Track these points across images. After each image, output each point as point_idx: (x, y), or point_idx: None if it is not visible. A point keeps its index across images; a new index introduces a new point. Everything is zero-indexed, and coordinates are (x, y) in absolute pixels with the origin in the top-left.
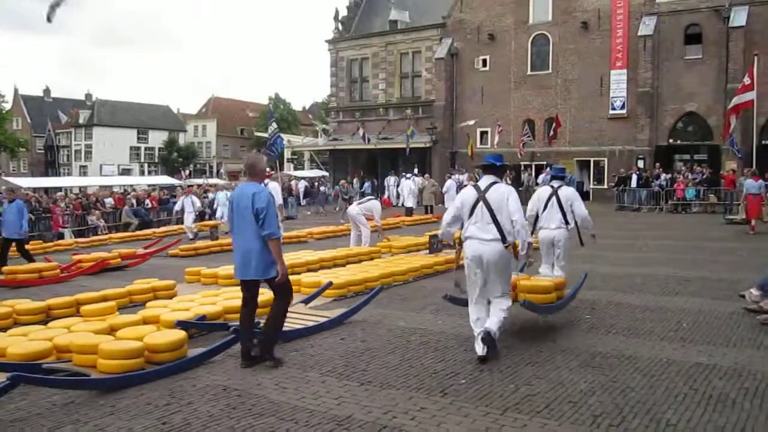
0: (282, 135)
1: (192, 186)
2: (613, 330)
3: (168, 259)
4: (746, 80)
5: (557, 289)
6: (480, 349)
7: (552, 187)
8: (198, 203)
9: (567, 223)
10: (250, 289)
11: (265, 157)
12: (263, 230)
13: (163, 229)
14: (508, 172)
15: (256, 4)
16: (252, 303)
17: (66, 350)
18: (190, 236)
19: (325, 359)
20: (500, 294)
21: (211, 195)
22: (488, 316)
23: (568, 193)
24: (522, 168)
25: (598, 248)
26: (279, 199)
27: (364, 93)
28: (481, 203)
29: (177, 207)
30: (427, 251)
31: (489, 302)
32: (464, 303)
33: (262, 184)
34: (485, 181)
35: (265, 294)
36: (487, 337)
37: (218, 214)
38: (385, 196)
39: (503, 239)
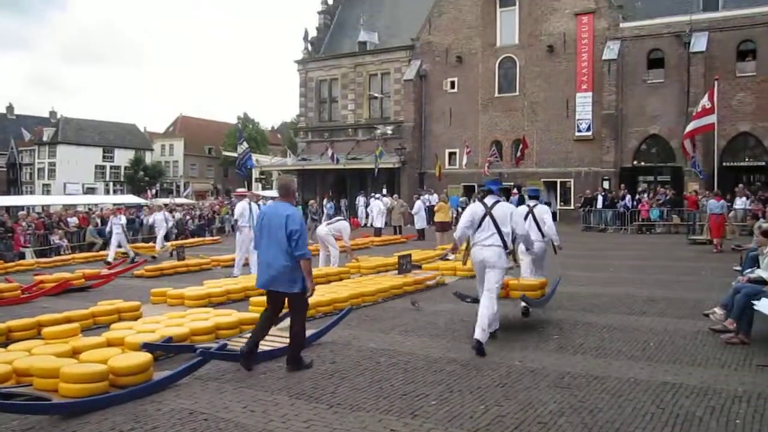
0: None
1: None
2: (581, 350)
3: (133, 279)
4: (706, 104)
5: (541, 288)
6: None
7: (528, 206)
8: (170, 219)
9: (543, 236)
10: (274, 299)
11: (295, 179)
12: (296, 251)
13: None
14: (475, 192)
15: (224, 23)
16: (274, 311)
17: (26, 374)
18: (157, 250)
19: (293, 381)
20: (493, 284)
21: (150, 218)
22: (489, 320)
23: (541, 210)
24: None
25: (564, 268)
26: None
27: (333, 113)
28: (488, 217)
29: (150, 221)
30: (396, 272)
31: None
32: (470, 299)
33: (292, 204)
34: (490, 200)
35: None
36: (478, 346)
37: (158, 242)
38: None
39: (504, 245)
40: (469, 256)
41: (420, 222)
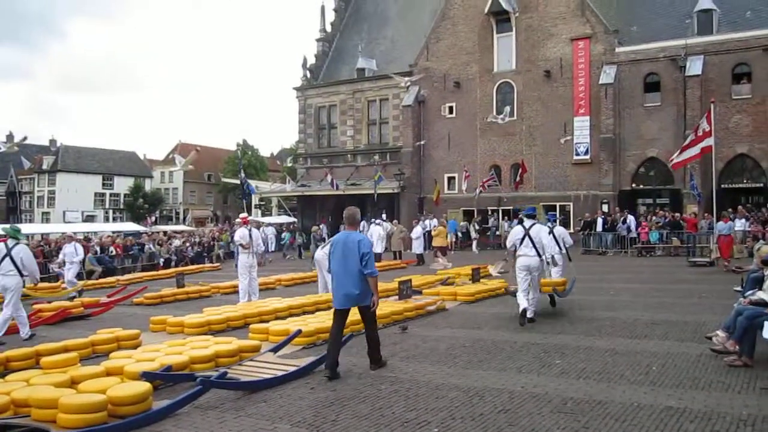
0: (249, 181)
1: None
2: (584, 374)
3: (133, 307)
4: (705, 126)
5: (563, 284)
6: (528, 313)
7: (549, 227)
8: (81, 253)
9: (560, 249)
10: (343, 315)
11: (358, 210)
12: (366, 269)
13: (127, 276)
14: (475, 216)
15: (224, 51)
16: (342, 324)
17: (24, 404)
18: (70, 291)
19: (294, 410)
20: (536, 283)
21: (66, 248)
22: (529, 302)
23: (559, 231)
24: (489, 212)
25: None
26: (262, 246)
27: (332, 139)
28: (527, 236)
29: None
30: (397, 297)
31: (529, 293)
32: (512, 292)
33: (358, 231)
34: (528, 222)
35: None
36: (524, 313)
37: (68, 279)
38: None
39: (539, 255)
40: (515, 263)
41: (418, 247)
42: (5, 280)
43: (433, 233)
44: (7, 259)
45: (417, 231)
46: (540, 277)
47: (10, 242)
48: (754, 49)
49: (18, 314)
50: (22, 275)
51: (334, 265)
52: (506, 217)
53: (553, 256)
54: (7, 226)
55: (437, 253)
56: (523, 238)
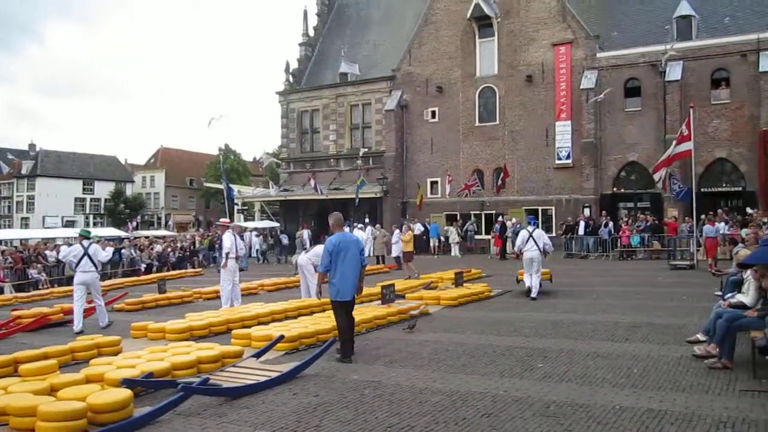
0: (232, 186)
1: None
2: (566, 378)
3: (113, 313)
4: (684, 131)
5: (547, 274)
6: (532, 292)
7: (528, 231)
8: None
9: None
10: (347, 306)
11: (341, 214)
12: (364, 262)
13: (108, 282)
14: (457, 220)
15: (205, 55)
16: (351, 315)
17: (2, 413)
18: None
19: (277, 416)
20: (537, 271)
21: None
22: (533, 284)
23: (539, 232)
24: (470, 217)
25: (547, 296)
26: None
27: (315, 144)
28: (531, 237)
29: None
30: (380, 302)
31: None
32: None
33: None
34: (531, 227)
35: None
36: (529, 291)
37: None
38: None
39: (539, 250)
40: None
41: (397, 251)
42: (85, 276)
43: (403, 239)
44: (86, 257)
45: (396, 235)
46: (540, 266)
47: (85, 243)
48: (732, 54)
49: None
50: (96, 269)
51: (340, 262)
52: (489, 222)
53: (544, 248)
54: (82, 229)
55: (401, 260)
56: (528, 239)
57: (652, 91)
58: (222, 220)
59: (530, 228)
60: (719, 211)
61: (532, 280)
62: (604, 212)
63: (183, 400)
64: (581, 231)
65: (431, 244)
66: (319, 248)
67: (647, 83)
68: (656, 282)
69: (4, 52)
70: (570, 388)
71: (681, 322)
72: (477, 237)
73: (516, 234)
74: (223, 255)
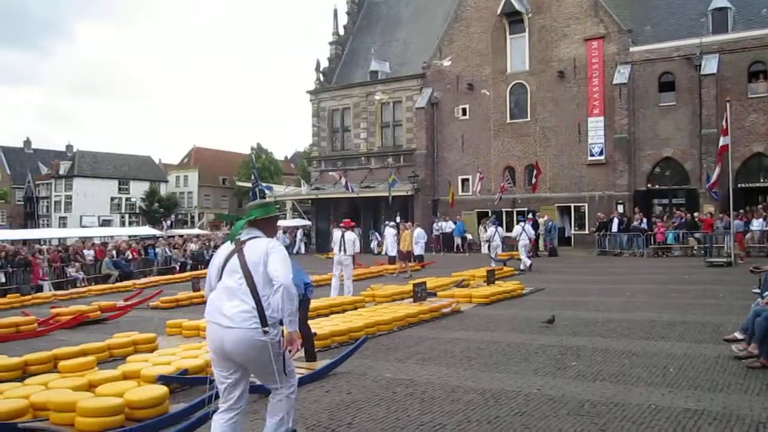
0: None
1: None
2: (600, 377)
3: (149, 311)
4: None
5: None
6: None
7: (522, 226)
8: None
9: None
10: None
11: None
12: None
13: (143, 280)
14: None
15: (237, 56)
16: None
17: (43, 408)
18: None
19: (309, 413)
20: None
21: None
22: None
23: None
24: (503, 214)
25: (580, 294)
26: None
27: (346, 142)
28: (523, 230)
29: None
30: (412, 300)
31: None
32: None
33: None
34: (522, 223)
35: None
36: (531, 266)
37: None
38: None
39: (528, 239)
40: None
41: (420, 249)
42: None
43: (401, 237)
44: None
45: (418, 233)
46: (527, 248)
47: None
48: None
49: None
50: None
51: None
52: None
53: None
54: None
55: (399, 259)
56: (521, 231)
57: (687, 85)
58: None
59: (493, 228)
60: (759, 207)
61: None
62: (636, 209)
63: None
64: (614, 228)
65: (455, 242)
66: (348, 235)
67: (682, 77)
68: (692, 279)
69: (35, 54)
70: (604, 387)
71: (718, 321)
72: (508, 234)
73: (547, 230)
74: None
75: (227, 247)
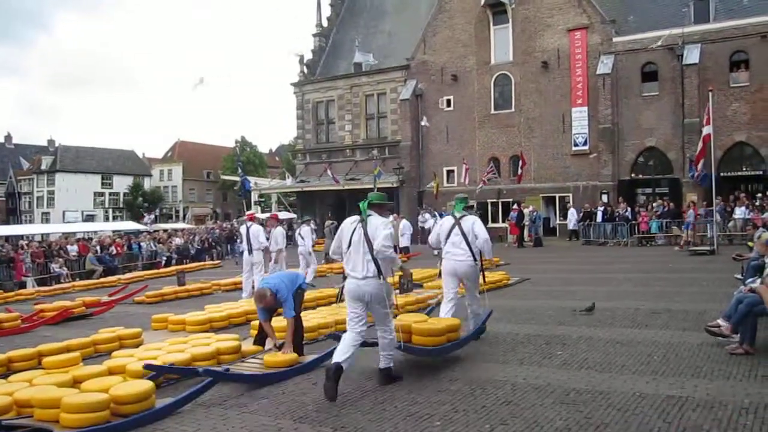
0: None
1: None
2: (585, 365)
3: (134, 306)
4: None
5: None
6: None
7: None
8: None
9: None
10: None
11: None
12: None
13: (128, 275)
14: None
15: (220, 47)
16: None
17: (27, 405)
18: None
19: (297, 405)
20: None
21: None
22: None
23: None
24: (488, 205)
25: (566, 283)
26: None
27: (331, 135)
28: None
29: None
30: (398, 291)
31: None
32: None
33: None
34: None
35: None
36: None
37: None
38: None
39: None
40: None
41: (405, 241)
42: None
43: None
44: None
45: (404, 225)
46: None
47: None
48: (751, 36)
49: None
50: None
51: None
52: (506, 210)
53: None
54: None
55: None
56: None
57: (670, 75)
58: (248, 213)
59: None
60: (741, 195)
61: None
62: (620, 198)
63: (205, 389)
64: (599, 218)
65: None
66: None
67: (664, 67)
68: (675, 268)
69: (16, 46)
70: (590, 376)
71: (701, 308)
72: (493, 225)
73: (532, 221)
74: (248, 245)
75: (354, 219)
